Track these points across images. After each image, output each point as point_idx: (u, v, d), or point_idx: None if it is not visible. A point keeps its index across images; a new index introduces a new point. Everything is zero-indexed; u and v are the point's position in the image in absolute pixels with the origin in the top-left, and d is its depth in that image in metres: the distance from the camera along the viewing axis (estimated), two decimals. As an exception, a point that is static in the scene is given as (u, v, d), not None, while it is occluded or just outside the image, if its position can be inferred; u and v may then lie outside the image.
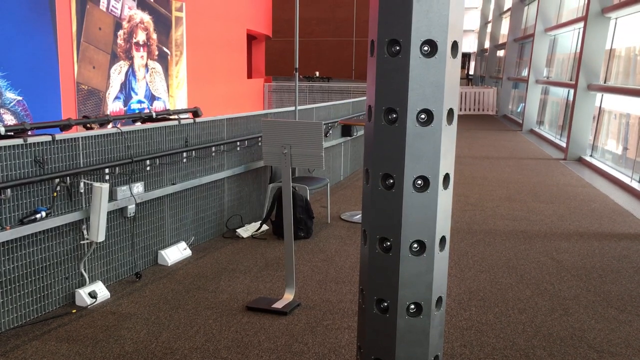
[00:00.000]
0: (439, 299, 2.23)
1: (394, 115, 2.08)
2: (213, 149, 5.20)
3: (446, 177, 2.14)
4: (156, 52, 11.57)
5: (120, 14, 10.43)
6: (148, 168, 4.46)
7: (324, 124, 5.81)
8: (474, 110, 21.20)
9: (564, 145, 11.99)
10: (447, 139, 2.11)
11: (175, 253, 4.76)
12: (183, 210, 4.94)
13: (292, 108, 6.51)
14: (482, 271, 4.70)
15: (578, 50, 11.95)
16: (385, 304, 2.20)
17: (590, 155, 11.00)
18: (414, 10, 1.98)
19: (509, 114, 20.47)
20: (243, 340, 3.42)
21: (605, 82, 10.83)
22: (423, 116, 2.06)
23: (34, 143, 3.53)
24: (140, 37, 11.05)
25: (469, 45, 32.77)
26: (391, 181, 2.11)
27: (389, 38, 2.04)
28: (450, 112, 2.11)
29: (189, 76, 12.73)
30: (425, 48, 2.02)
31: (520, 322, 3.76)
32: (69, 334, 3.46)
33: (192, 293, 4.12)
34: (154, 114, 5.04)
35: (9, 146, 3.39)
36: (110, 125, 4.59)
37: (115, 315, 3.72)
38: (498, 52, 25.38)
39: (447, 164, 2.13)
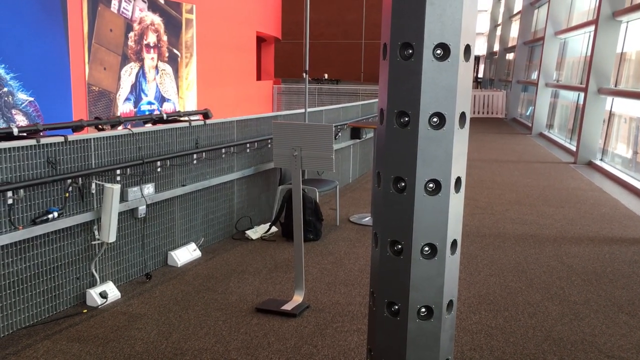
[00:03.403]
0: (450, 303, 2.23)
1: (406, 119, 2.08)
2: (223, 150, 5.22)
3: (458, 180, 2.15)
4: (166, 54, 11.63)
5: (131, 16, 10.49)
6: (159, 169, 4.49)
7: (334, 126, 5.81)
8: (483, 113, 21.15)
9: (573, 149, 11.93)
10: (459, 142, 2.11)
11: (185, 254, 4.78)
12: (193, 211, 4.95)
13: (302, 110, 6.52)
14: (492, 275, 4.69)
15: (588, 53, 11.90)
16: (396, 307, 2.20)
17: (601, 159, 10.94)
18: (427, 14, 1.99)
19: (518, 118, 20.40)
20: (252, 342, 3.43)
21: (615, 86, 10.78)
22: (435, 119, 2.06)
23: (47, 144, 3.56)
24: (151, 38, 11.11)
25: (478, 48, 32.70)
26: (403, 184, 2.12)
27: (402, 41, 2.05)
28: (463, 115, 2.11)
29: (199, 78, 12.79)
30: (438, 51, 2.02)
31: (530, 327, 3.75)
32: (80, 333, 3.48)
33: (201, 294, 4.13)
34: (164, 116, 5.07)
35: (22, 147, 3.42)
36: (121, 127, 4.62)
37: (125, 316, 3.74)
38: (507, 55, 25.31)
39: (458, 168, 2.13)
